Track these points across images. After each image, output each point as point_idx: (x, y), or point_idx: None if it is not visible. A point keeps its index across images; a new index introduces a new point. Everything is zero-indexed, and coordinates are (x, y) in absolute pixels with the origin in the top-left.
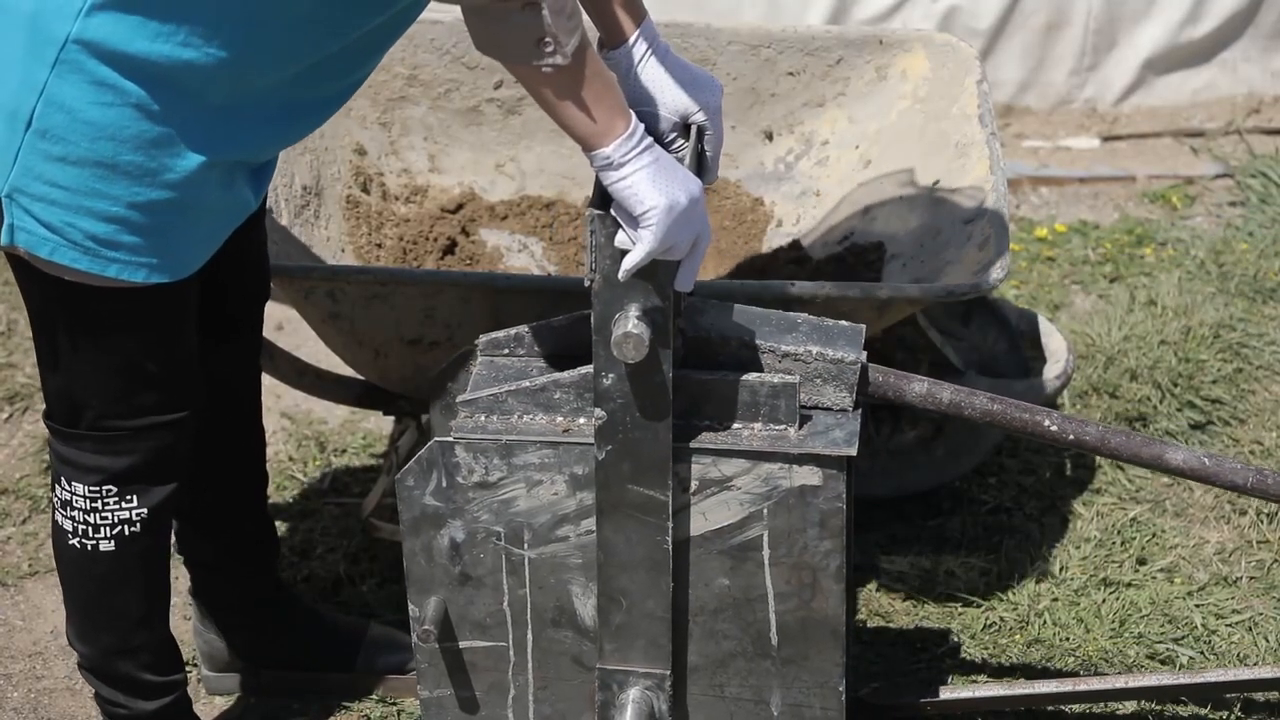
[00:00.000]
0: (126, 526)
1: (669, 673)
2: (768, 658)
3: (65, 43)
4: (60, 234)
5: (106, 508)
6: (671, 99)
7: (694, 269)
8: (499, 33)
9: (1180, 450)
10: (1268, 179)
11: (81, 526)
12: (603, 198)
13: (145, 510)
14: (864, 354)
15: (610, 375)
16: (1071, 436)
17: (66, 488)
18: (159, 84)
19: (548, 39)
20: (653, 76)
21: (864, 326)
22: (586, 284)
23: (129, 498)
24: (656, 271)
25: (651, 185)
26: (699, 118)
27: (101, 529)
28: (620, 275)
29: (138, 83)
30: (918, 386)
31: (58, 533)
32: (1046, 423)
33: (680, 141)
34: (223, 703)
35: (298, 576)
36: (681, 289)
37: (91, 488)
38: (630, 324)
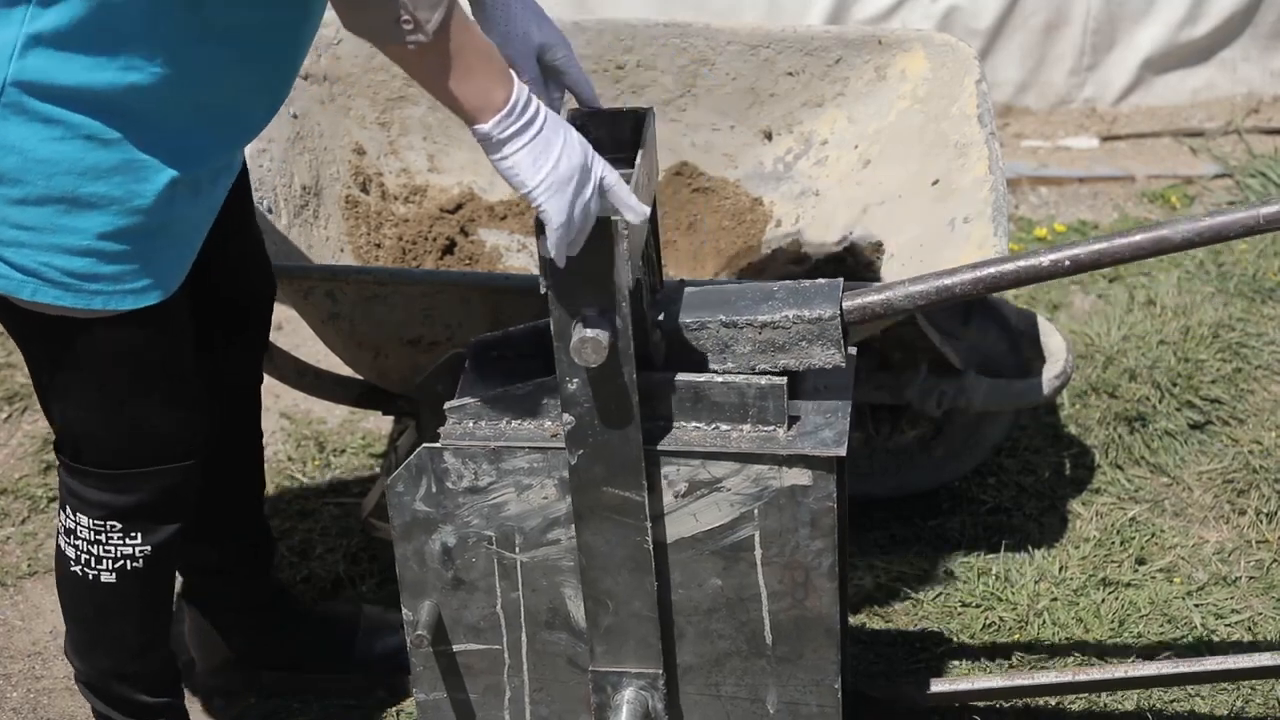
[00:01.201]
0: (129, 562)
1: (661, 671)
2: (762, 657)
3: (4, 86)
4: (37, 275)
5: (110, 542)
6: (524, 34)
7: (628, 200)
8: (360, 14)
9: (1180, 224)
10: (1267, 179)
11: (84, 555)
12: None
13: (149, 548)
14: (841, 305)
15: (574, 380)
16: (1067, 262)
17: (71, 517)
18: (107, 112)
19: (406, 18)
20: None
21: (841, 280)
22: (542, 290)
23: (133, 535)
24: (611, 273)
25: (532, 164)
26: (556, 56)
27: (104, 561)
28: (556, 260)
29: (86, 113)
30: (896, 291)
31: (60, 557)
32: (1039, 260)
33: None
34: (223, 703)
35: (297, 576)
36: (633, 218)
37: (96, 521)
38: (589, 328)
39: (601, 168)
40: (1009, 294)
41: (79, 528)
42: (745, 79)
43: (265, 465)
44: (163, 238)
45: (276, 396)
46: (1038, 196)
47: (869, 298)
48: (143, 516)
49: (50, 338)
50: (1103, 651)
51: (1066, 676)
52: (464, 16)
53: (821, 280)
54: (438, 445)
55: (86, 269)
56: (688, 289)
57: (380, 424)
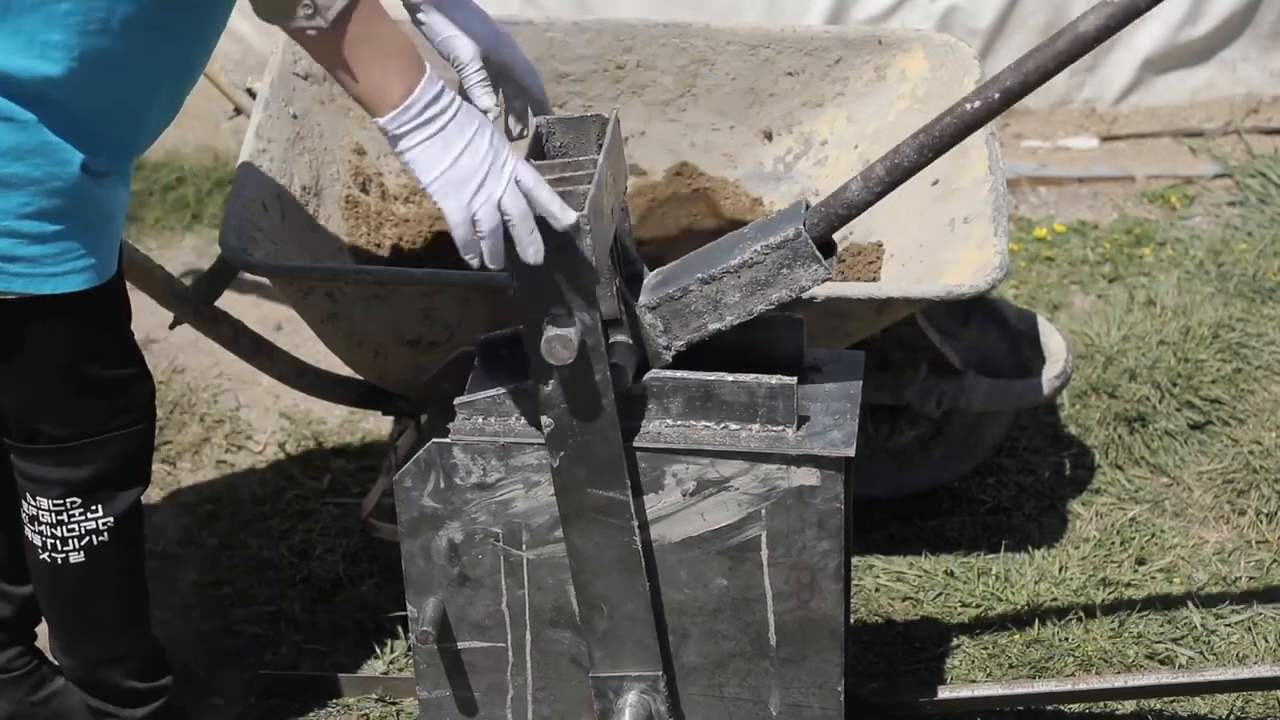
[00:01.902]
0: (94, 536)
1: (661, 673)
2: (766, 658)
3: None
4: None
5: (73, 519)
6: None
7: (548, 205)
8: None
9: (1088, 18)
10: (1266, 179)
11: (50, 540)
12: None
13: (111, 519)
14: (803, 224)
15: (550, 381)
16: (996, 95)
17: (31, 503)
18: (24, 96)
19: (306, 2)
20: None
21: (802, 204)
22: (510, 293)
23: (94, 508)
24: (578, 271)
25: (428, 161)
26: (503, 55)
27: (70, 541)
28: (525, 259)
29: (5, 97)
30: (850, 188)
31: (29, 549)
32: (967, 106)
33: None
34: (222, 703)
35: (297, 576)
36: (555, 224)
37: (55, 501)
38: (558, 326)
39: (520, 170)
40: (1009, 294)
41: (40, 512)
42: (745, 79)
43: (266, 465)
44: (82, 221)
45: (276, 396)
46: (1037, 197)
47: (828, 204)
48: (102, 486)
49: None
50: (1103, 652)
51: (1066, 685)
52: (374, 8)
53: (783, 208)
54: (447, 440)
55: (6, 250)
56: (664, 267)
57: (380, 424)
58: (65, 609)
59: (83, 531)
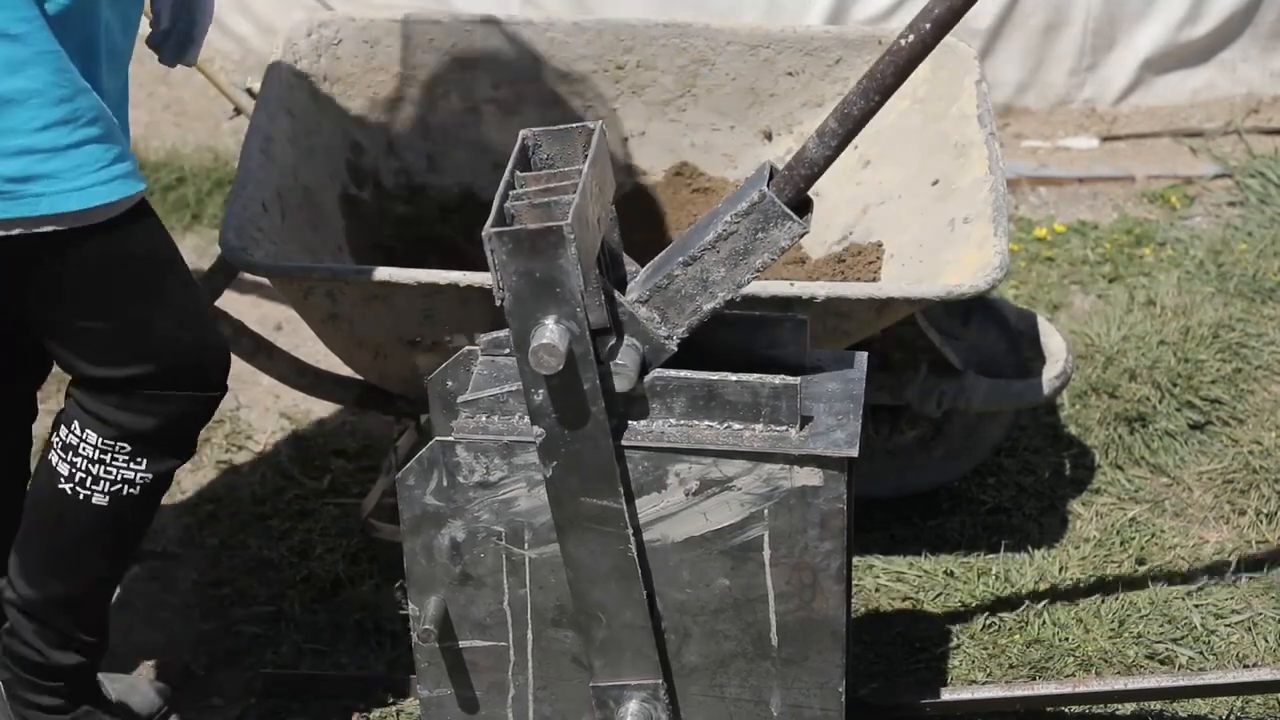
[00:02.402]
0: (127, 486)
1: (661, 680)
2: (768, 658)
3: None
4: None
5: (115, 463)
6: None
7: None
8: None
9: None
10: (1266, 179)
11: (80, 474)
12: (499, 216)
13: (150, 476)
14: (767, 186)
15: (539, 391)
16: (928, 26)
17: (76, 433)
18: (10, 7)
19: None
20: None
21: (766, 166)
22: (498, 303)
23: (139, 460)
24: (563, 279)
25: None
26: None
27: (101, 482)
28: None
29: None
30: (810, 146)
31: (48, 473)
32: (902, 42)
33: None
34: (221, 703)
35: (297, 577)
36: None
37: (106, 440)
38: (546, 334)
39: None
40: (1009, 294)
41: (83, 444)
42: (745, 79)
43: (266, 465)
44: (92, 131)
45: (276, 397)
46: (1037, 197)
47: (790, 167)
48: (154, 442)
49: (49, 259)
50: (1103, 652)
51: (1067, 688)
52: None
53: (749, 177)
54: (450, 439)
55: (22, 170)
56: (651, 261)
57: (380, 424)
58: (58, 542)
59: (119, 478)
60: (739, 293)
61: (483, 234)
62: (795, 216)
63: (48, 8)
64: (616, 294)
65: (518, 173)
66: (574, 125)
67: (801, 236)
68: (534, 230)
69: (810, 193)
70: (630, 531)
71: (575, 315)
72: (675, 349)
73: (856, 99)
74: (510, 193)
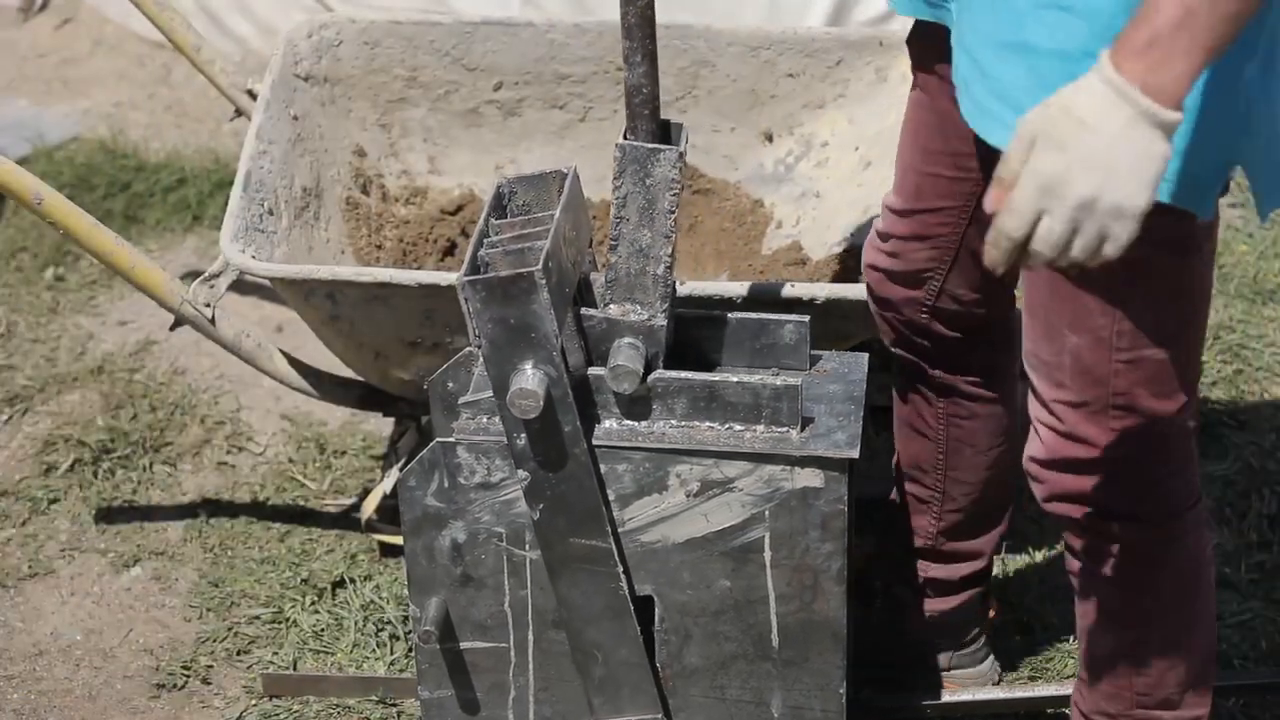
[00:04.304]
0: None
1: (660, 715)
2: (768, 660)
3: None
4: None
5: None
6: None
7: None
8: None
9: None
10: None
11: None
12: (473, 264)
13: None
14: (622, 136)
15: (521, 436)
16: None
17: None
18: None
19: None
20: None
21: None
22: (474, 350)
23: None
24: (537, 325)
25: None
26: None
27: None
28: None
29: None
30: (627, 77)
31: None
32: None
33: None
34: (222, 704)
35: (297, 577)
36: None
37: None
38: (523, 380)
39: None
40: None
41: None
42: (746, 81)
43: (267, 466)
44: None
45: (277, 398)
46: None
47: (627, 105)
48: None
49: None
50: None
51: (1066, 690)
52: None
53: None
54: (451, 440)
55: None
56: (594, 275)
57: (381, 426)
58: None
59: None
60: (674, 240)
61: (455, 283)
62: (661, 146)
63: None
64: (586, 311)
65: (492, 220)
66: (549, 171)
67: (682, 158)
68: (505, 277)
69: (812, 194)
70: (620, 570)
71: (552, 360)
72: (665, 321)
73: (625, 6)
74: (485, 241)
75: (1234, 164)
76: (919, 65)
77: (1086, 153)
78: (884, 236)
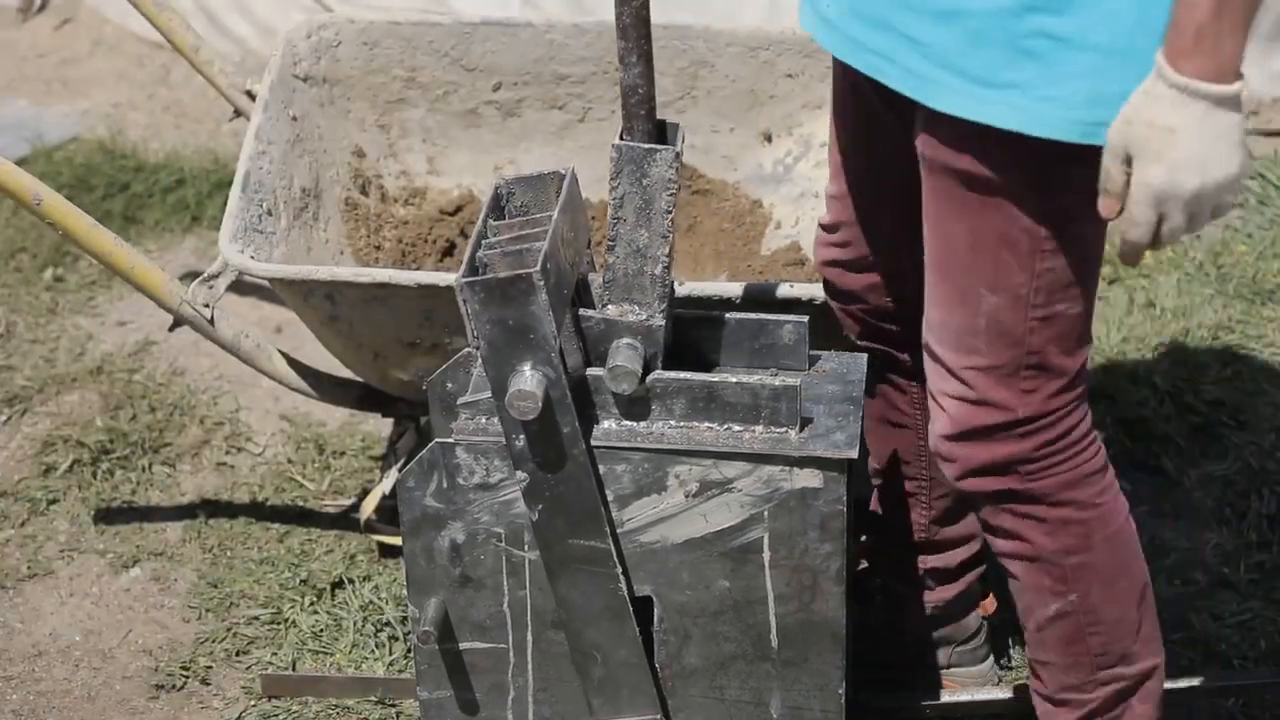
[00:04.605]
0: None
1: (660, 716)
2: (768, 660)
3: None
4: None
5: None
6: None
7: None
8: None
9: None
10: (1266, 181)
11: None
12: (472, 265)
13: None
14: (618, 137)
15: (520, 437)
16: None
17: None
18: None
19: None
20: None
21: (619, 132)
22: (473, 351)
23: None
24: (535, 326)
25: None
26: None
27: None
28: None
29: None
30: (623, 77)
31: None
32: None
33: None
34: (221, 705)
35: (296, 578)
36: None
37: None
38: (522, 382)
39: None
40: None
41: None
42: (745, 81)
43: (266, 467)
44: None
45: (276, 399)
46: None
47: (623, 107)
48: None
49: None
50: None
51: None
52: None
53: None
54: (450, 440)
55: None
56: (592, 277)
57: (380, 426)
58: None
59: None
60: (672, 240)
61: (454, 284)
62: (658, 147)
63: None
64: (584, 311)
65: (490, 221)
66: (547, 172)
67: (678, 158)
68: (503, 279)
69: (811, 194)
70: (620, 571)
71: (550, 361)
72: (663, 322)
73: (619, 6)
74: (483, 242)
75: None
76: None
77: (1182, 155)
78: (832, 228)
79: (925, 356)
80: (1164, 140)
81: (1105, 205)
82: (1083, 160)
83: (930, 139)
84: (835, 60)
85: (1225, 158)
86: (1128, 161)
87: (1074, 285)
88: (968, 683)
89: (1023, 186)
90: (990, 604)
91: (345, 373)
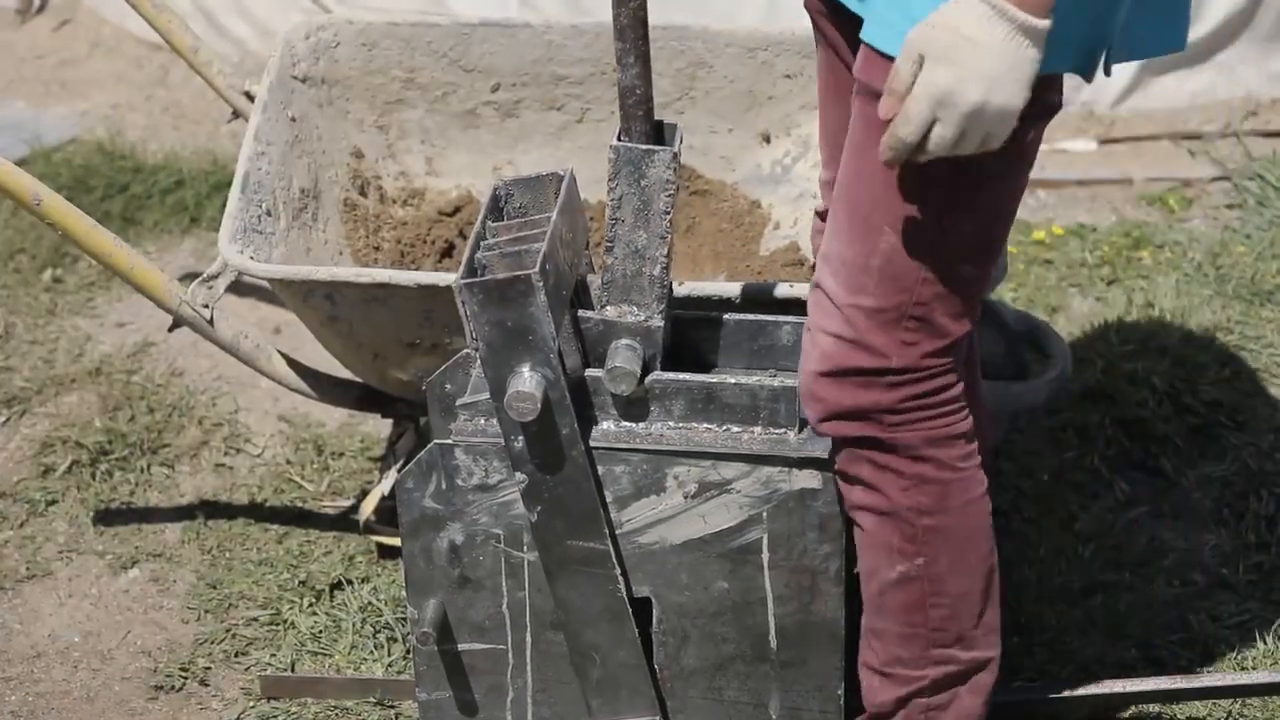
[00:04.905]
0: None
1: (658, 716)
2: (766, 661)
3: None
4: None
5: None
6: None
7: None
8: None
9: None
10: (1265, 181)
11: None
12: (470, 267)
13: None
14: (616, 138)
15: (519, 438)
16: None
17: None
18: None
19: None
20: None
21: (615, 133)
22: (472, 353)
23: None
24: (534, 327)
25: None
26: None
27: None
28: None
29: None
30: (620, 78)
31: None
32: None
33: None
34: (220, 706)
35: (295, 579)
36: None
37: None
38: (521, 383)
39: None
40: (1008, 297)
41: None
42: (743, 82)
43: (265, 467)
44: None
45: (275, 399)
46: (1035, 199)
47: (621, 109)
48: None
49: None
50: (1101, 655)
51: (1066, 691)
52: None
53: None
54: (449, 441)
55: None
56: (591, 277)
57: (379, 427)
58: None
59: None
60: (670, 241)
61: (453, 285)
62: (655, 148)
63: None
64: (583, 313)
65: (489, 223)
66: (545, 173)
67: (676, 158)
68: (502, 280)
69: (810, 195)
70: (619, 573)
71: (549, 362)
72: (661, 323)
73: (616, 7)
74: (482, 243)
75: (1105, 39)
76: (815, 22)
77: (975, 67)
78: (826, 214)
79: (811, 291)
80: (963, 48)
81: (885, 104)
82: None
83: (861, 59)
84: (818, 44)
85: (1012, 87)
86: (920, 64)
87: (975, 251)
88: None
89: None
90: None
91: (344, 373)
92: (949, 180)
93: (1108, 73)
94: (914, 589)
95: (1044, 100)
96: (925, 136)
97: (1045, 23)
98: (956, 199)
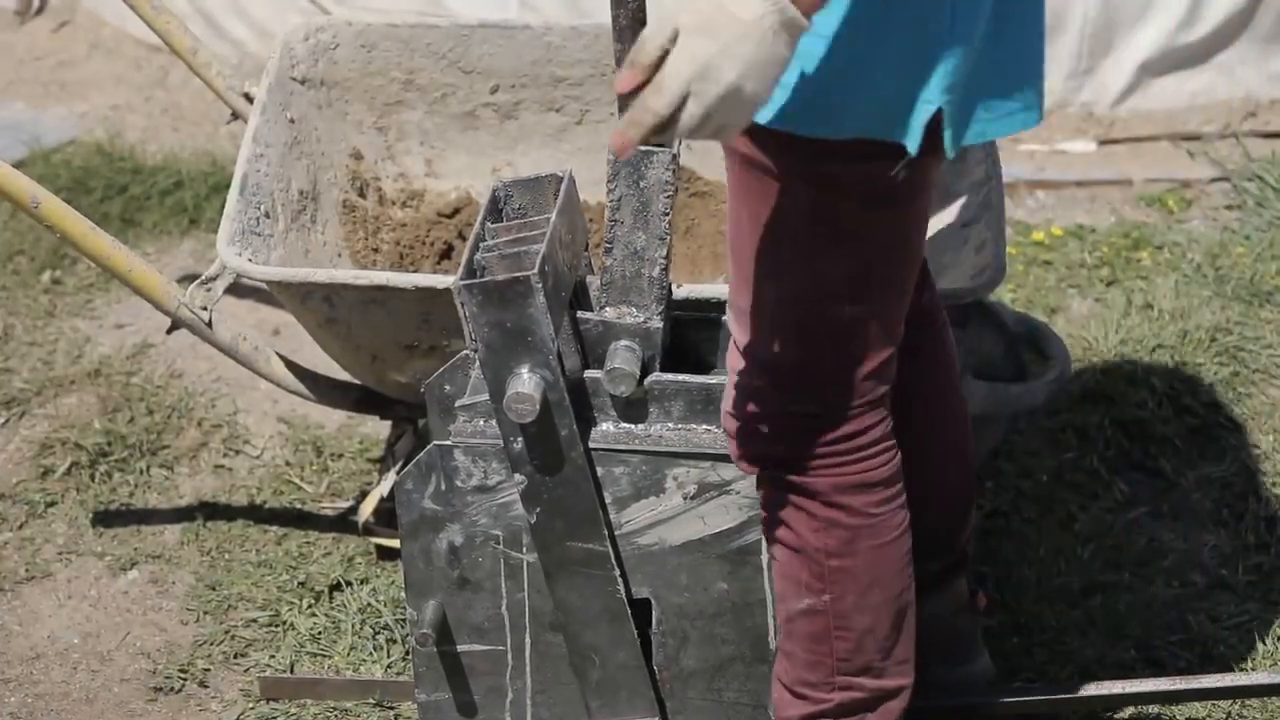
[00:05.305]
0: None
1: (658, 717)
2: (766, 662)
3: None
4: None
5: None
6: None
7: None
8: None
9: None
10: (1264, 182)
11: None
12: (469, 268)
13: None
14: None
15: (518, 439)
16: None
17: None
18: None
19: None
20: None
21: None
22: (471, 354)
23: None
24: (533, 328)
25: None
26: None
27: None
28: None
29: None
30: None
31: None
32: None
33: None
34: (219, 707)
35: (294, 580)
36: None
37: None
38: (520, 384)
39: None
40: (1007, 297)
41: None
42: None
43: (264, 469)
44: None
45: (274, 401)
46: (1035, 200)
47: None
48: None
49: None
50: (1100, 656)
51: (1065, 691)
52: None
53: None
54: (448, 443)
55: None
56: (591, 279)
57: (378, 428)
58: None
59: None
60: (670, 242)
61: (452, 287)
62: (656, 148)
63: None
64: (582, 314)
65: (488, 224)
66: (545, 175)
67: (676, 160)
68: (501, 281)
69: None
70: (618, 574)
71: (548, 363)
72: (660, 324)
73: (615, 8)
74: (481, 245)
75: (929, 103)
76: None
77: (738, 48)
78: None
79: (723, 332)
80: (728, 25)
81: (625, 76)
82: (842, 157)
83: None
84: None
85: (764, 77)
86: (672, 40)
87: (851, 291)
88: (962, 683)
89: (793, 176)
90: (981, 600)
91: (343, 375)
92: (807, 227)
93: (954, 153)
94: (819, 621)
95: (863, 178)
96: (674, 115)
97: (805, 23)
98: (816, 244)
